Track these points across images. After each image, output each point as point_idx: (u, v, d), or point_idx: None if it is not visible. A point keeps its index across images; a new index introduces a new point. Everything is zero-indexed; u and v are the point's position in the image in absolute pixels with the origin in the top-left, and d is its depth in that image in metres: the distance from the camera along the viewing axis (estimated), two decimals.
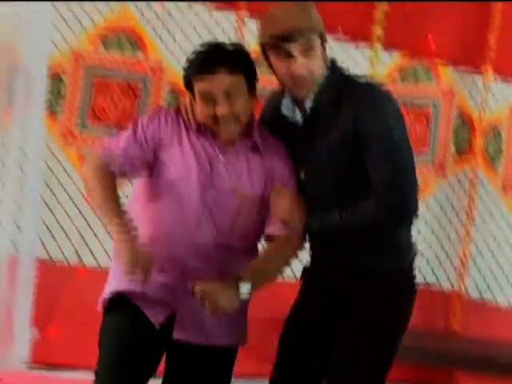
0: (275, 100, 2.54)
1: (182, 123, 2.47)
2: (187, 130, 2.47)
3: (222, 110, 2.39)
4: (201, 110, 2.41)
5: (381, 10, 3.99)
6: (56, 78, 3.86)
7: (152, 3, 3.90)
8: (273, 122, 2.53)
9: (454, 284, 4.27)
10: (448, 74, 4.22)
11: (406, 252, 2.51)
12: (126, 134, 2.47)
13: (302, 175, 2.48)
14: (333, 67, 2.44)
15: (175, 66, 3.90)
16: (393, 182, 2.35)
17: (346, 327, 2.44)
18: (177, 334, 2.41)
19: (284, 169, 2.49)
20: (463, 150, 4.28)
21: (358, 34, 4.04)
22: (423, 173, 4.19)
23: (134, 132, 2.45)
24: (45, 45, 3.74)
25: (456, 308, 4.26)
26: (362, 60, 4.09)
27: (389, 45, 4.08)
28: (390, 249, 2.47)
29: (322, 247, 2.51)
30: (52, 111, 3.84)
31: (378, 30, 4.00)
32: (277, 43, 2.35)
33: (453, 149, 4.26)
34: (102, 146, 2.50)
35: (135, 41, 3.92)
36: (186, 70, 2.45)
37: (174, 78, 3.89)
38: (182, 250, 2.41)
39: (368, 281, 2.44)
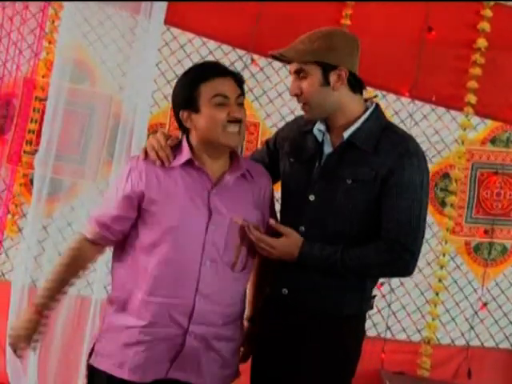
0: (300, 123, 2.57)
1: (157, 166, 2.35)
2: (166, 170, 2.35)
3: (237, 112, 2.32)
4: (211, 117, 2.31)
5: (474, 80, 4.02)
6: (154, 132, 3.98)
7: (248, 64, 3.97)
8: (293, 134, 2.58)
9: None
10: None
11: (368, 295, 2.53)
12: (111, 201, 2.39)
13: (312, 198, 2.46)
14: (377, 109, 2.50)
15: (268, 126, 4.03)
16: (411, 227, 2.39)
17: (305, 371, 2.46)
18: (175, 374, 2.37)
19: (270, 194, 2.48)
20: None
21: (452, 103, 4.07)
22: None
23: (117, 195, 2.37)
24: (145, 100, 3.81)
25: None
26: (453, 124, 4.10)
27: (481, 113, 4.09)
28: (355, 292, 2.49)
29: (293, 279, 2.48)
30: None
31: (471, 98, 4.01)
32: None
33: None
34: (91, 218, 2.43)
35: None
36: (190, 81, 2.34)
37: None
38: (190, 294, 2.34)
39: (334, 322, 2.47)
